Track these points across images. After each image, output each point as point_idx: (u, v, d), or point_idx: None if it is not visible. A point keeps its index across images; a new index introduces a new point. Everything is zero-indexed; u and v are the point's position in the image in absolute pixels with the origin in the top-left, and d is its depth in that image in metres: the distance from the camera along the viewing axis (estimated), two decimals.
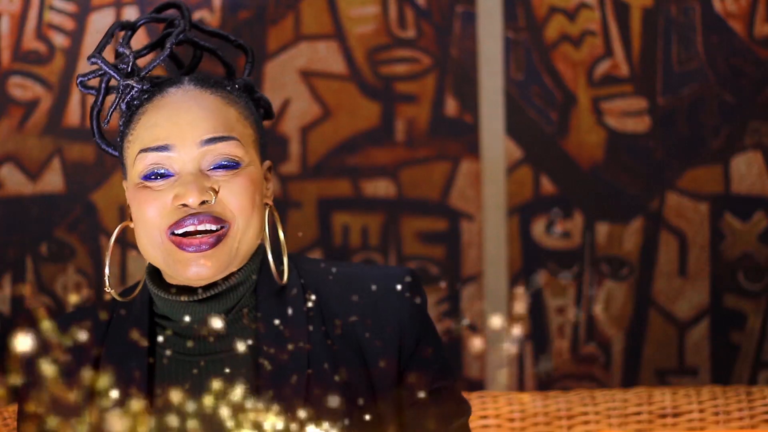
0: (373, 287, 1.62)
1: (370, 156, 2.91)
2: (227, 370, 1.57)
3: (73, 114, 2.90)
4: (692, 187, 2.94)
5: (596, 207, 2.94)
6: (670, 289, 2.94)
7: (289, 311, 1.60)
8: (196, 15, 2.90)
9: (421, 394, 1.60)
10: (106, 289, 1.65)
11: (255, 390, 1.56)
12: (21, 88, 2.89)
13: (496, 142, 2.92)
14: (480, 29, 2.92)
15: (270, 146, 1.73)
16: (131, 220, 1.65)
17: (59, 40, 2.89)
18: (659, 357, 2.94)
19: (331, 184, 2.93)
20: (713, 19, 2.92)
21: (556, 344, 2.94)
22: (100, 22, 2.90)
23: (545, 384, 2.92)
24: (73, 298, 2.90)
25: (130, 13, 2.89)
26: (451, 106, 2.94)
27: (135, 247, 2.88)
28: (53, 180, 2.90)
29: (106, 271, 1.65)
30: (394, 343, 1.60)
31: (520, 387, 2.94)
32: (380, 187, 2.92)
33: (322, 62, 2.92)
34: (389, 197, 2.93)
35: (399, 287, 1.62)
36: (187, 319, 1.60)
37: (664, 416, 2.37)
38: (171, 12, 1.76)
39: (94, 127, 1.67)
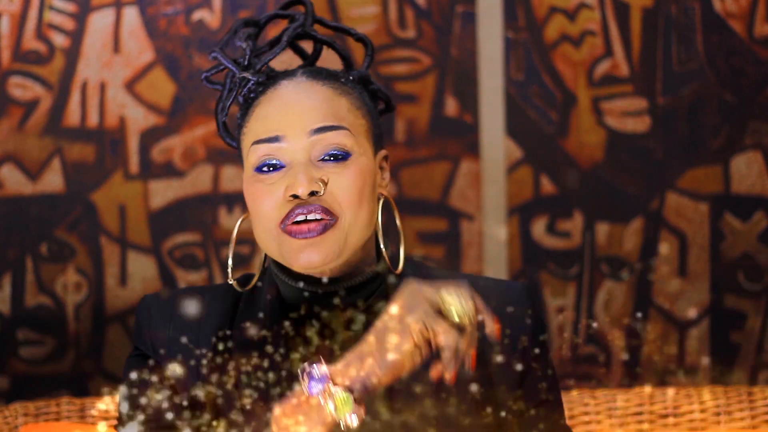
0: (496, 295, 1.63)
1: None
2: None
3: (73, 114, 2.90)
4: (692, 187, 2.94)
5: (596, 207, 2.94)
6: (670, 289, 2.94)
7: None
8: (196, 15, 2.90)
9: (529, 407, 1.63)
10: (229, 280, 1.65)
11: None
12: (21, 88, 2.89)
13: (496, 142, 2.92)
14: (480, 29, 2.92)
15: None
16: (248, 211, 1.66)
17: (59, 40, 2.89)
18: (659, 357, 2.94)
19: None
20: (713, 19, 2.93)
21: (556, 344, 2.95)
22: (100, 22, 2.90)
23: None
24: (73, 298, 2.91)
25: (130, 13, 2.89)
26: (451, 106, 2.94)
27: (135, 247, 2.90)
28: (53, 180, 2.90)
29: (230, 262, 1.66)
30: (514, 353, 1.63)
31: None
32: None
33: (322, 62, 2.91)
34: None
35: (523, 300, 1.65)
36: (315, 309, 1.62)
37: (665, 416, 2.37)
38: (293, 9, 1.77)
39: (219, 122, 1.69)
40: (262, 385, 1.58)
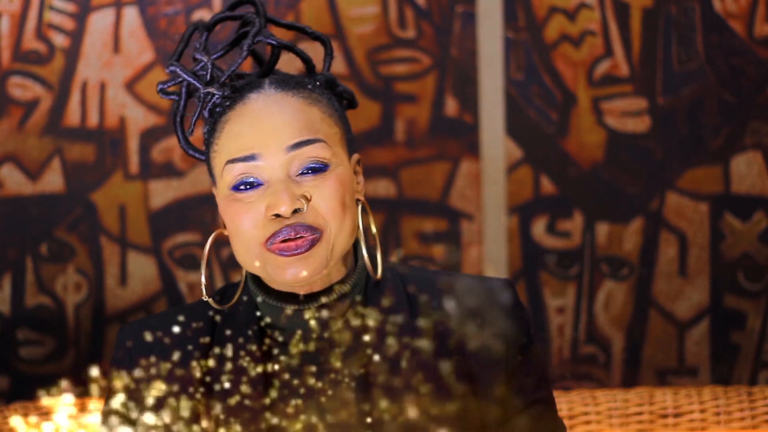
0: (479, 295, 1.62)
1: (370, 156, 2.91)
2: (338, 372, 1.58)
3: (73, 114, 2.90)
4: (692, 187, 2.94)
5: (596, 207, 2.94)
6: (670, 289, 2.94)
7: (390, 313, 1.60)
8: (196, 15, 2.90)
9: (521, 405, 1.62)
10: (204, 297, 1.63)
11: (365, 388, 1.57)
12: (21, 88, 2.89)
13: (496, 142, 2.92)
14: (480, 29, 2.92)
15: None
16: (224, 227, 1.63)
17: (59, 40, 2.89)
18: (659, 357, 2.94)
19: None
20: (713, 19, 2.93)
21: (556, 344, 2.95)
22: (100, 22, 2.90)
23: None
24: (73, 298, 2.91)
25: (130, 13, 2.89)
26: (451, 106, 2.94)
27: (135, 247, 2.90)
28: (53, 180, 2.90)
29: (203, 279, 1.64)
30: (500, 351, 1.62)
31: None
32: (380, 187, 2.92)
33: (322, 62, 2.92)
34: (389, 197, 2.92)
35: (505, 297, 1.63)
36: (299, 331, 1.60)
37: (665, 416, 2.37)
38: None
39: (179, 134, 1.65)
40: (246, 404, 1.57)
